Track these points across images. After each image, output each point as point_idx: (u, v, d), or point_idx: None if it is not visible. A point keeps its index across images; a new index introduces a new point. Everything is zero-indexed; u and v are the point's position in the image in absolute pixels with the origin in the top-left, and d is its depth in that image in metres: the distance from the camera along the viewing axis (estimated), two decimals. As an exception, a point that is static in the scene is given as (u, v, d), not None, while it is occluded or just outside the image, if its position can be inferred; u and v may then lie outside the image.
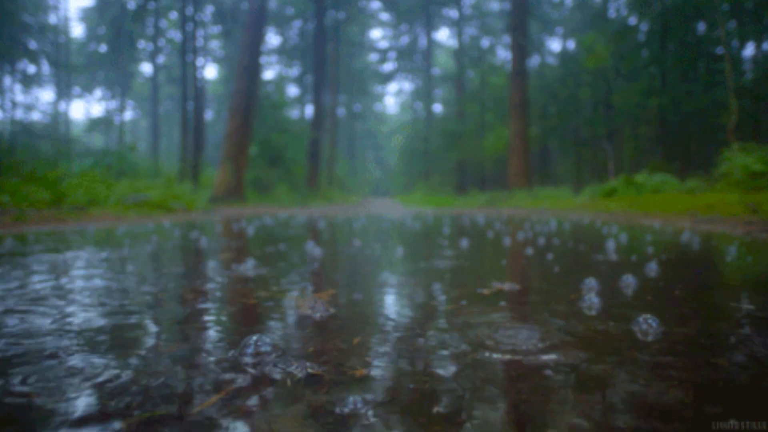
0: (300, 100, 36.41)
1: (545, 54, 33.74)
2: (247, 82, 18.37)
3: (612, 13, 24.80)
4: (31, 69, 28.23)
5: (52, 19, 30.97)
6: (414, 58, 40.98)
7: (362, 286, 2.17)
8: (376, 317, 1.59)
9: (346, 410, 0.86)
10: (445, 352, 1.20)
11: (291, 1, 33.04)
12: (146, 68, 39.74)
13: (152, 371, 1.06)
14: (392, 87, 69.66)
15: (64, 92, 33.16)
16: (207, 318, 1.59)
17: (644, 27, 22.02)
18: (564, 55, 29.80)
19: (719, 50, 18.07)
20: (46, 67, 29.12)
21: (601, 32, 21.96)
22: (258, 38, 18.89)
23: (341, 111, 43.08)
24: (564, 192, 18.67)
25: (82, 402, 0.90)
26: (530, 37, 26.91)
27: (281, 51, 37.16)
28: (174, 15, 30.63)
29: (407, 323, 1.49)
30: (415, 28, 39.14)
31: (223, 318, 1.61)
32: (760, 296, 1.94)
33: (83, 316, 1.59)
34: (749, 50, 19.57)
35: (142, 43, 34.27)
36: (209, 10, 28.77)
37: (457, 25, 34.43)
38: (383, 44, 41.68)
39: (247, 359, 1.13)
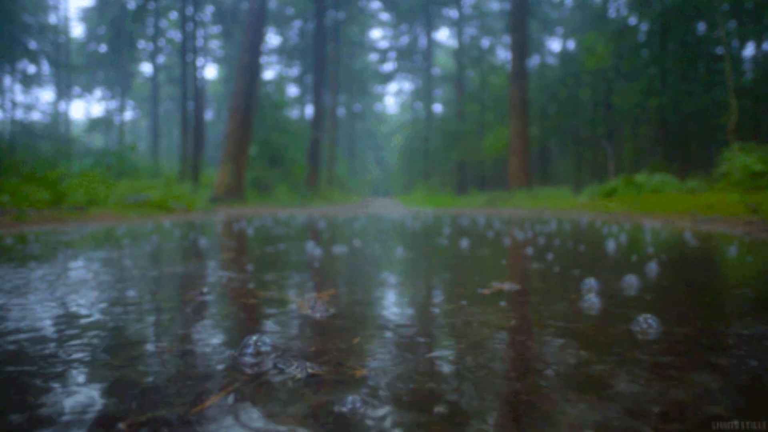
0: (300, 100, 36.42)
1: (545, 54, 33.75)
2: (247, 82, 18.37)
3: (612, 13, 24.80)
4: (31, 69, 28.26)
5: (52, 19, 31.00)
6: (414, 58, 41.00)
7: (362, 286, 2.17)
8: (376, 317, 1.59)
9: (346, 410, 0.86)
10: (445, 352, 1.20)
11: (291, 1, 33.05)
12: (146, 68, 39.80)
13: (151, 371, 1.06)
14: (392, 87, 69.75)
15: (64, 92, 33.17)
16: (206, 318, 1.59)
17: (644, 27, 22.02)
18: (564, 55, 29.80)
19: (719, 50, 18.08)
20: (46, 67, 29.14)
21: (601, 32, 21.96)
22: (258, 38, 18.89)
23: (341, 111, 43.09)
24: (564, 192, 18.67)
25: (81, 402, 0.90)
26: (530, 37, 26.92)
27: (281, 51, 37.17)
28: (174, 15, 30.65)
29: (407, 323, 1.49)
30: (415, 28, 39.15)
31: (223, 318, 1.61)
32: (760, 296, 1.94)
33: (81, 316, 1.59)
34: (749, 50, 19.59)
35: (142, 43, 34.29)
36: (209, 10, 28.77)
37: (457, 25, 34.45)
38: (383, 44, 41.74)
39: (247, 359, 1.13)
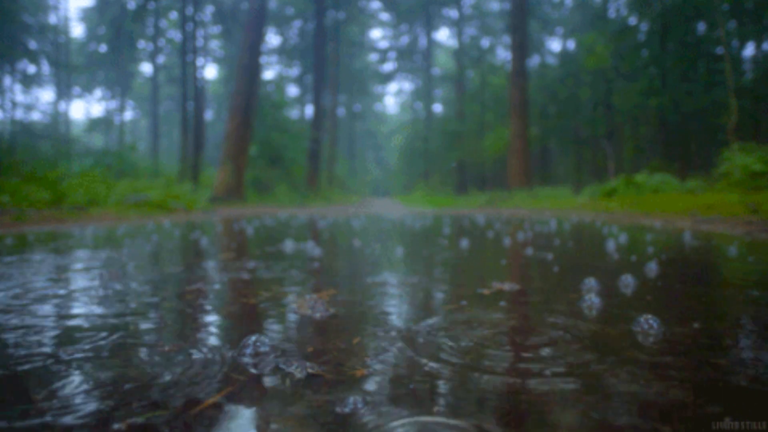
0: (300, 100, 36.43)
1: (545, 54, 33.75)
2: (247, 82, 18.37)
3: (612, 13, 24.79)
4: (31, 69, 28.23)
5: (52, 19, 30.97)
6: (414, 58, 40.98)
7: (362, 286, 2.17)
8: (376, 317, 1.59)
9: (346, 410, 0.86)
10: (445, 352, 1.19)
11: (291, 1, 33.04)
12: (146, 68, 39.77)
13: (151, 371, 1.06)
14: (392, 87, 69.65)
15: (64, 92, 33.15)
16: (206, 318, 1.59)
17: (644, 27, 22.02)
18: (564, 55, 29.80)
19: (719, 50, 18.07)
20: (46, 67, 29.11)
21: (601, 32, 21.96)
22: (258, 38, 18.88)
23: (341, 111, 43.07)
24: (564, 192, 18.67)
25: (81, 402, 0.90)
26: (530, 37, 26.92)
27: (281, 51, 37.16)
28: (174, 15, 30.64)
29: (407, 323, 1.49)
30: (415, 28, 39.14)
31: (223, 318, 1.61)
32: (760, 296, 1.94)
33: (82, 316, 1.59)
34: (749, 50, 19.58)
35: (142, 43, 34.29)
36: (209, 10, 28.77)
37: (457, 25, 34.43)
38: (383, 44, 41.72)
39: (247, 359, 1.12)
